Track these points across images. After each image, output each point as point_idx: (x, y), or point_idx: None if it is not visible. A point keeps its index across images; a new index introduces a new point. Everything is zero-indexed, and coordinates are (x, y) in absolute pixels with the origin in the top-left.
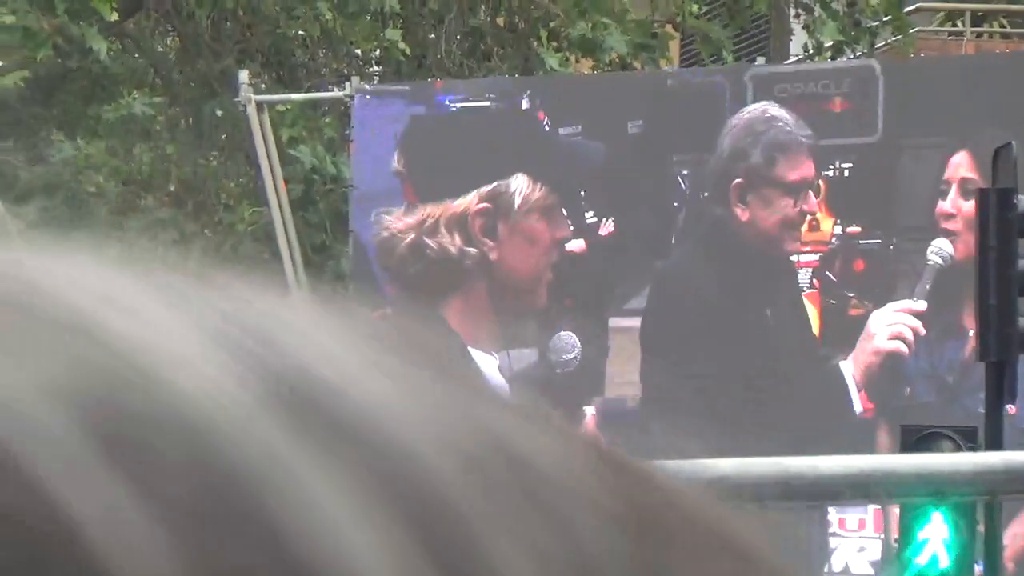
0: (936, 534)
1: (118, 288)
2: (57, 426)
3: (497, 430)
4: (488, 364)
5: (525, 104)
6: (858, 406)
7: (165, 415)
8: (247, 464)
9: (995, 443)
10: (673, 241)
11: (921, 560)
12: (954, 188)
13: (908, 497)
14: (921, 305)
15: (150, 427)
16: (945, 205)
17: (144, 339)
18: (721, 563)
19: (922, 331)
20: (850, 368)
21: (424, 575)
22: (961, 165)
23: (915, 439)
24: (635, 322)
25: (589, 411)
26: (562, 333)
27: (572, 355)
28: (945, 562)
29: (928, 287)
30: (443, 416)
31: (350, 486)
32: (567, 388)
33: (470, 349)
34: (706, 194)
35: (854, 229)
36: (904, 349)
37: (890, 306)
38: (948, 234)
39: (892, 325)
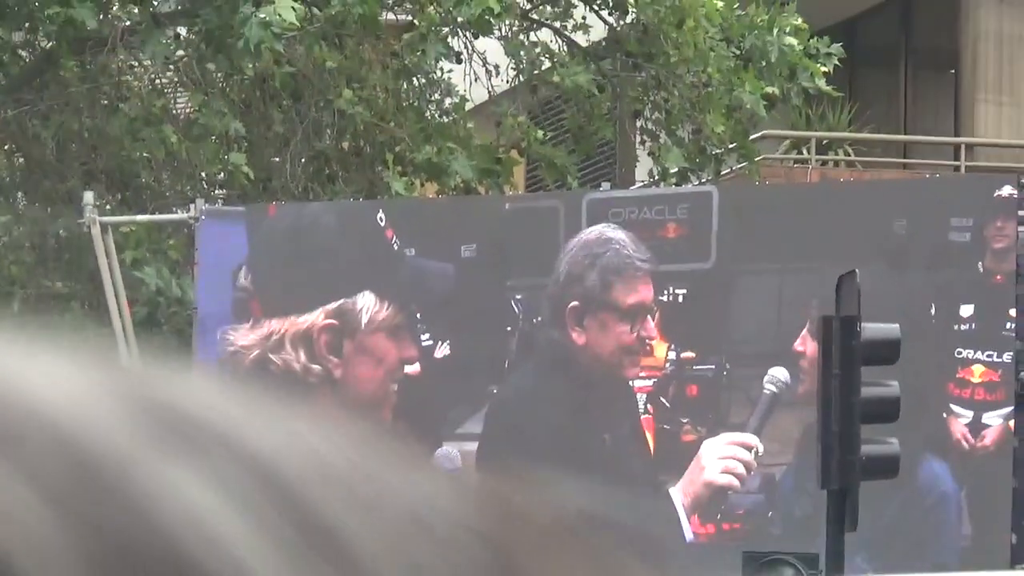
0: None
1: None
2: None
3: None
4: None
5: (380, 220)
6: (688, 533)
7: (37, 416)
8: (107, 450)
9: (837, 570)
10: (507, 365)
11: None
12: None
13: None
14: (752, 439)
15: (22, 419)
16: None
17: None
18: None
19: (753, 464)
20: (679, 495)
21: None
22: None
23: (758, 565)
24: (471, 447)
25: None
26: (442, 449)
27: (454, 467)
28: None
29: (762, 418)
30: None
31: (201, 473)
32: None
33: None
34: (539, 318)
35: (688, 355)
36: (735, 483)
37: (723, 436)
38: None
39: (724, 459)
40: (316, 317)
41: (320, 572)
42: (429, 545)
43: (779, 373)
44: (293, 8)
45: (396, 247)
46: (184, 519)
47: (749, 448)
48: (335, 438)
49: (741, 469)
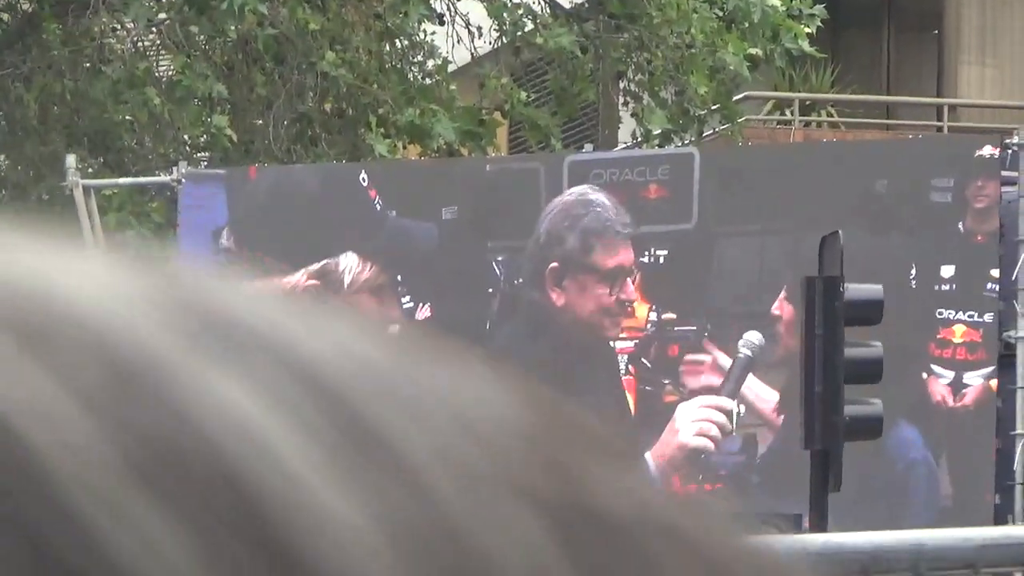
0: None
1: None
2: None
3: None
4: None
5: (362, 181)
6: None
7: (73, 318)
8: (147, 353)
9: (820, 530)
10: (488, 327)
11: None
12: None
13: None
14: (727, 402)
15: (56, 319)
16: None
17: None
18: None
19: (729, 426)
20: (650, 459)
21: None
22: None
23: None
24: None
25: None
26: None
27: None
28: None
29: (736, 381)
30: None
31: (245, 378)
32: None
33: None
34: (521, 280)
35: (669, 316)
36: (709, 445)
37: (697, 400)
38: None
39: (697, 421)
40: (299, 278)
41: (368, 478)
42: (477, 449)
43: (753, 337)
44: None
45: (379, 207)
46: (228, 425)
47: (724, 411)
48: (380, 342)
49: (715, 431)
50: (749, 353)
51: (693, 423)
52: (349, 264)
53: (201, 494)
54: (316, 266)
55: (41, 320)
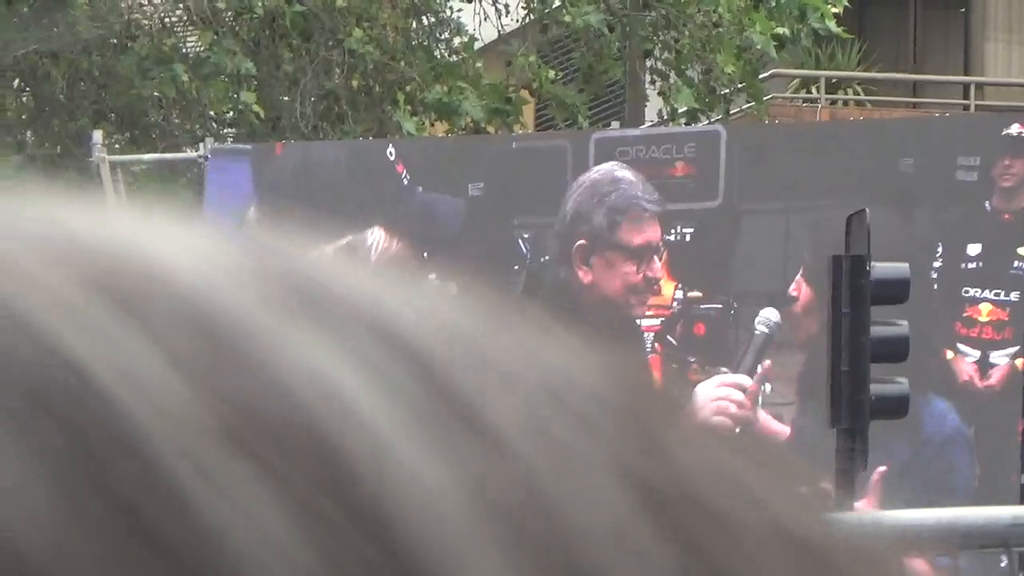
0: None
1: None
2: (59, 282)
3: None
4: None
5: (389, 155)
6: None
7: (168, 284)
8: (238, 318)
9: (847, 509)
10: None
11: None
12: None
13: None
14: (745, 379)
15: (150, 285)
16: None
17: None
18: None
19: (747, 404)
20: None
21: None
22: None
23: None
24: None
25: None
26: None
27: None
28: None
29: (754, 358)
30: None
31: (335, 345)
32: None
33: None
34: (547, 257)
35: (695, 294)
36: (728, 423)
37: (715, 379)
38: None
39: (716, 400)
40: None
41: (458, 446)
42: (565, 419)
43: (770, 314)
44: None
45: (407, 181)
46: (319, 391)
47: (741, 388)
48: (469, 310)
49: (733, 409)
50: (766, 330)
51: (711, 402)
52: (376, 239)
53: (294, 460)
54: (343, 241)
55: (136, 285)
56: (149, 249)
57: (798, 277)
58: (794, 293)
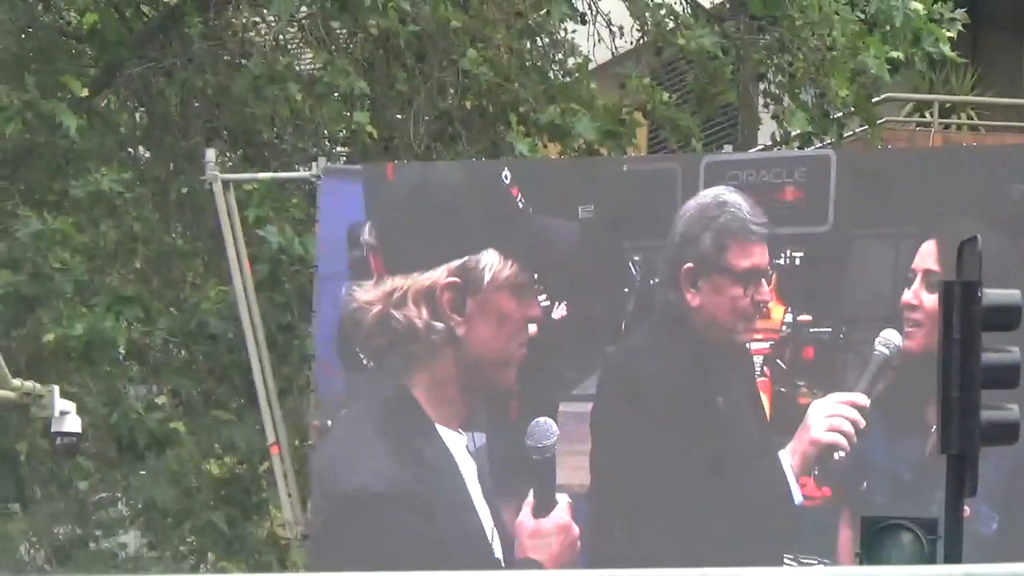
0: None
1: None
2: None
3: None
4: (455, 443)
5: (505, 178)
6: (798, 496)
7: None
8: None
9: (955, 536)
10: (623, 327)
11: None
12: (918, 279)
13: None
14: (862, 398)
15: None
16: (908, 295)
17: None
18: None
19: (862, 423)
20: (788, 458)
21: None
22: (929, 256)
23: (876, 530)
24: (583, 407)
25: (563, 499)
26: (540, 420)
27: (551, 441)
28: None
29: (873, 379)
30: None
31: None
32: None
33: (437, 427)
34: (656, 280)
35: (805, 317)
36: (842, 441)
37: (831, 396)
38: (912, 324)
39: (831, 417)
40: (439, 274)
41: None
42: None
43: (891, 335)
44: None
45: (521, 205)
46: None
47: (858, 407)
48: None
49: (848, 427)
50: (886, 351)
51: (826, 419)
52: (490, 261)
53: None
54: (456, 263)
55: None
56: None
57: (915, 286)
58: (914, 302)
